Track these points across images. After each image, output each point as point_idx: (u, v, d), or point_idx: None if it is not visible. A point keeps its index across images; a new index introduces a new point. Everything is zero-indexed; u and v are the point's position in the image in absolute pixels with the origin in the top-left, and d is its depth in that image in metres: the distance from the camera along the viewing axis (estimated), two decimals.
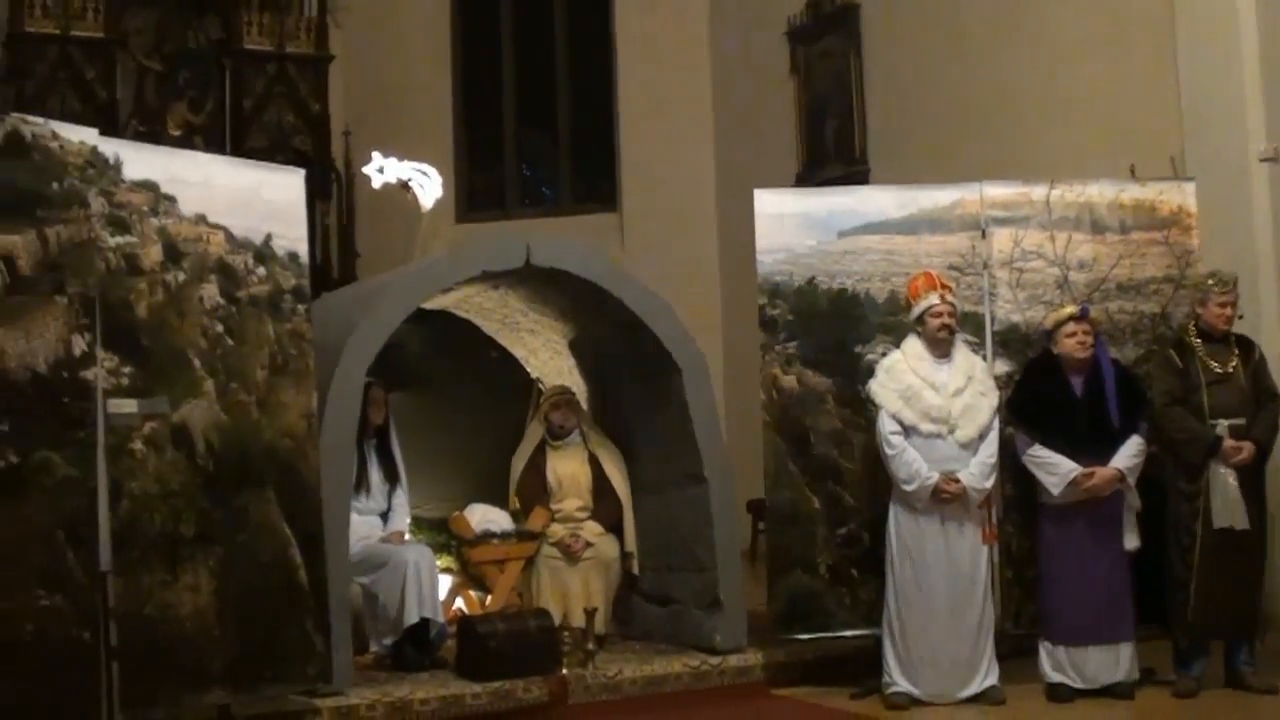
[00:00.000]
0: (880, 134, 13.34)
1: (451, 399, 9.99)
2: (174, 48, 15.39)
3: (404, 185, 9.87)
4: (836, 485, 8.33)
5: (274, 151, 14.46)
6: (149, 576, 6.62)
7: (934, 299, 7.84)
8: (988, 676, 7.78)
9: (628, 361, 9.01)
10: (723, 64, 15.61)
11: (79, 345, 6.43)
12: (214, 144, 14.67)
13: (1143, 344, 8.40)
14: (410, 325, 8.42)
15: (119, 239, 6.72)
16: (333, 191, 15.31)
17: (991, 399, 7.88)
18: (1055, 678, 7.82)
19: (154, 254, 6.85)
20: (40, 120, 6.64)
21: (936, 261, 8.32)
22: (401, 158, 10.14)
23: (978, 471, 7.72)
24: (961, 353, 7.96)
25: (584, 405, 9.58)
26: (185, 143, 14.14)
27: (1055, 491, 7.77)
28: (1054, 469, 7.75)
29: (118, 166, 6.78)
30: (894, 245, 8.51)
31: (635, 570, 9.17)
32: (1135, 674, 7.84)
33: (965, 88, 12.18)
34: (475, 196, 16.82)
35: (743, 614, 8.58)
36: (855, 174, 13.20)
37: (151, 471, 6.68)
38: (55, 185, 6.47)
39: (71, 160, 6.56)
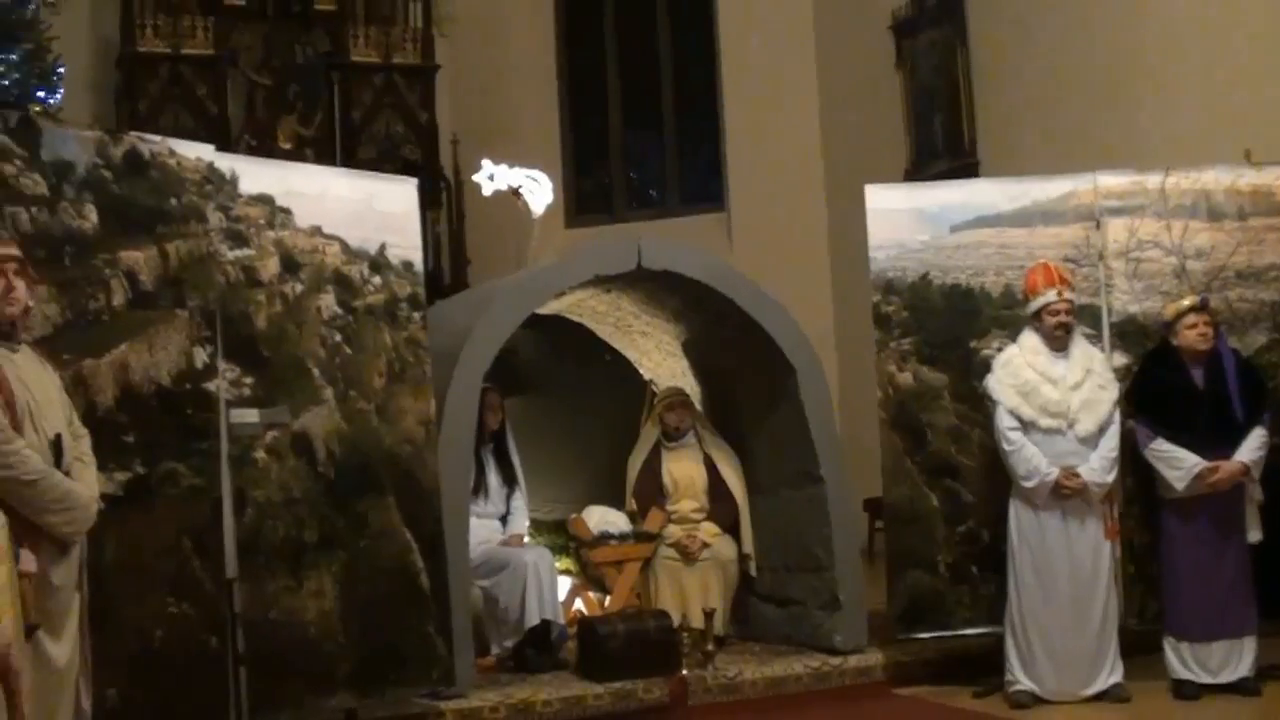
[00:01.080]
0: (989, 125, 13.23)
1: (566, 402, 10.04)
2: (282, 62, 15.53)
3: (514, 192, 9.91)
4: (954, 482, 8.26)
5: (383, 162, 14.56)
6: (274, 583, 6.73)
7: (1051, 295, 7.74)
8: (1112, 674, 7.67)
9: (741, 362, 9.00)
10: (828, 59, 15.55)
11: (201, 357, 6.55)
12: (324, 156, 14.81)
13: (1264, 332, 8.27)
14: (524, 330, 8.48)
15: (237, 252, 6.84)
16: (442, 199, 15.40)
17: (1111, 392, 7.76)
18: (1181, 674, 7.70)
19: (272, 266, 6.96)
20: (157, 138, 6.78)
21: (1051, 254, 8.19)
22: (510, 164, 10.19)
23: (1098, 466, 7.62)
24: (1080, 346, 7.85)
25: (698, 406, 9.57)
26: (296, 156, 14.28)
27: (1179, 486, 7.64)
28: (1177, 463, 7.63)
29: (234, 181, 6.89)
30: (1007, 238, 8.44)
31: (753, 571, 9.14)
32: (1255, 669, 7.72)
33: (1075, 75, 12.05)
34: (583, 201, 16.87)
35: (863, 613, 8.54)
36: (965, 167, 13.09)
37: (274, 479, 6.79)
38: (174, 201, 6.59)
39: (189, 176, 6.68)
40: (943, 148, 13.78)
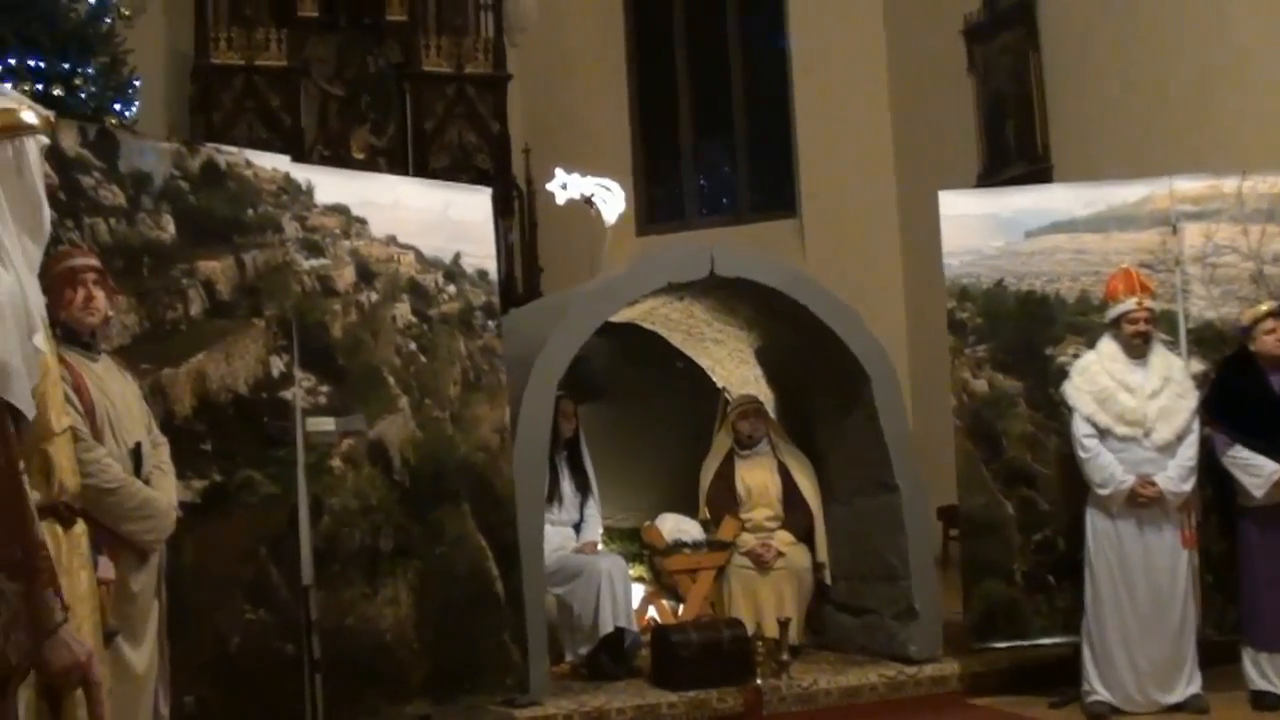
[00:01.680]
0: (1062, 130, 13.14)
1: (639, 410, 10.04)
2: (355, 73, 15.62)
3: (587, 200, 9.94)
4: (1030, 490, 8.19)
5: (456, 171, 14.63)
6: (349, 590, 6.77)
7: (1131, 304, 7.66)
8: (1190, 684, 7.59)
9: (814, 369, 8.98)
10: (899, 64, 15.50)
11: (277, 366, 6.59)
12: (397, 166, 14.86)
13: None
14: (597, 338, 8.48)
15: (313, 262, 6.89)
16: (514, 208, 15.43)
17: (1190, 401, 7.67)
18: (1260, 685, 7.60)
19: (347, 275, 7.01)
20: (234, 150, 6.84)
21: (1126, 259, 8.11)
22: (582, 173, 10.22)
23: (1176, 474, 7.54)
24: (1158, 353, 7.77)
25: (771, 414, 9.55)
26: (369, 166, 14.34)
27: (1258, 494, 7.55)
28: (1256, 470, 7.55)
29: (310, 192, 6.95)
30: (1082, 244, 8.38)
31: (827, 580, 9.10)
32: None
33: (1149, 79, 11.96)
34: (655, 208, 16.88)
35: (938, 623, 8.49)
36: (1038, 172, 13.00)
37: (350, 487, 6.83)
38: (250, 212, 6.65)
39: (265, 187, 6.73)
40: (1015, 153, 13.69)
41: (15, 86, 8.66)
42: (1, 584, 3.09)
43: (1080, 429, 7.68)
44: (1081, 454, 7.66)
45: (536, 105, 16.42)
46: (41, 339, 3.38)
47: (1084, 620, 7.71)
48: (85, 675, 3.28)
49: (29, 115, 3.46)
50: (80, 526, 3.56)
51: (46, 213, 3.50)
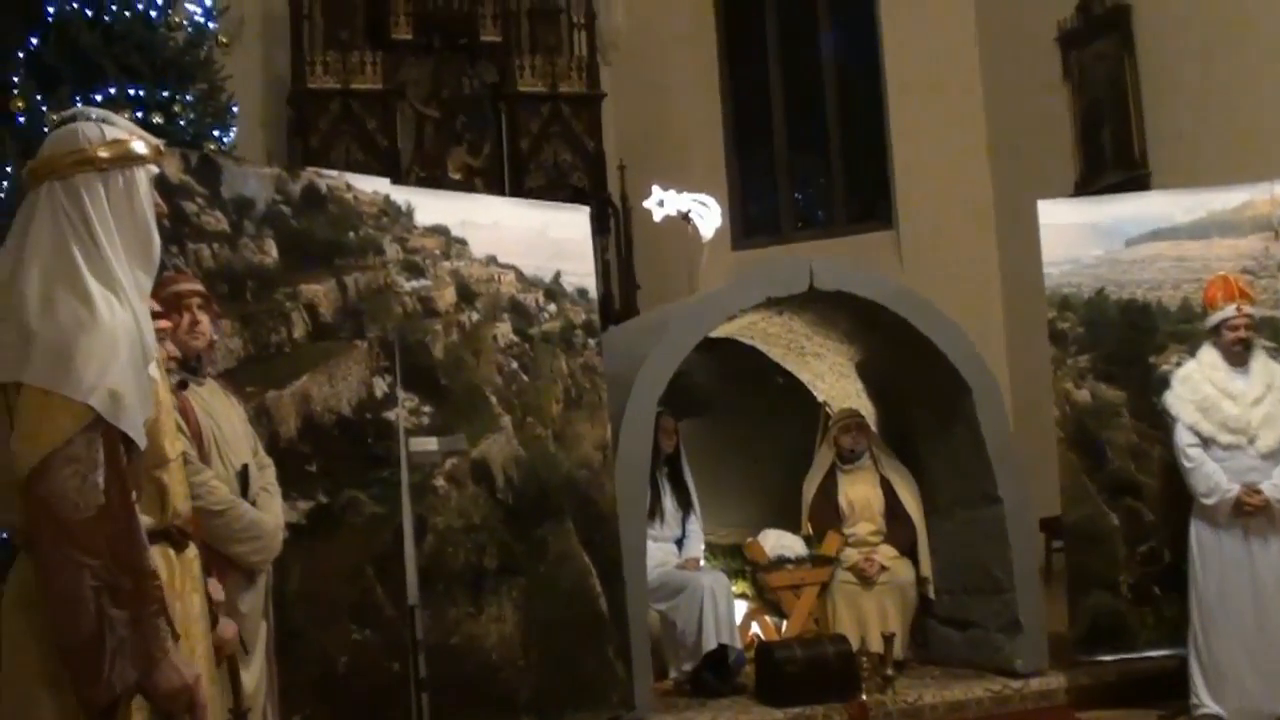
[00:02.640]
0: (1160, 136, 12.99)
1: (740, 425, 10.03)
2: (450, 94, 15.69)
3: (684, 217, 9.95)
4: (1135, 501, 8.13)
5: (552, 190, 14.66)
6: (455, 609, 6.82)
7: (1230, 310, 7.58)
8: None
9: (915, 382, 8.94)
10: (993, 73, 15.40)
11: (380, 387, 6.64)
12: (493, 186, 14.94)
13: None
14: (697, 353, 8.47)
15: (414, 283, 6.95)
16: (610, 226, 15.46)
17: None
18: None
19: (448, 296, 7.06)
20: (334, 173, 6.92)
21: (1228, 265, 8.06)
22: (678, 189, 10.23)
23: None
24: (1260, 360, 7.68)
25: (873, 427, 9.52)
26: (465, 186, 14.41)
27: None
28: None
29: (410, 213, 7.01)
30: (1184, 251, 8.31)
31: (931, 594, 9.05)
32: None
33: (1246, 82, 11.81)
34: (750, 223, 16.84)
35: (1043, 636, 8.41)
36: (1136, 179, 12.85)
37: (454, 506, 6.88)
38: (351, 234, 6.71)
39: (366, 210, 6.80)
40: (1112, 160, 13.55)
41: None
42: (110, 611, 3.13)
43: (1183, 438, 7.61)
44: (1185, 463, 7.58)
45: (630, 122, 16.44)
46: (155, 369, 3.42)
47: (1190, 631, 7.62)
48: (191, 699, 3.31)
49: (139, 145, 3.51)
50: (192, 550, 3.59)
51: (157, 243, 3.55)
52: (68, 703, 3.16)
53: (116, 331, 3.26)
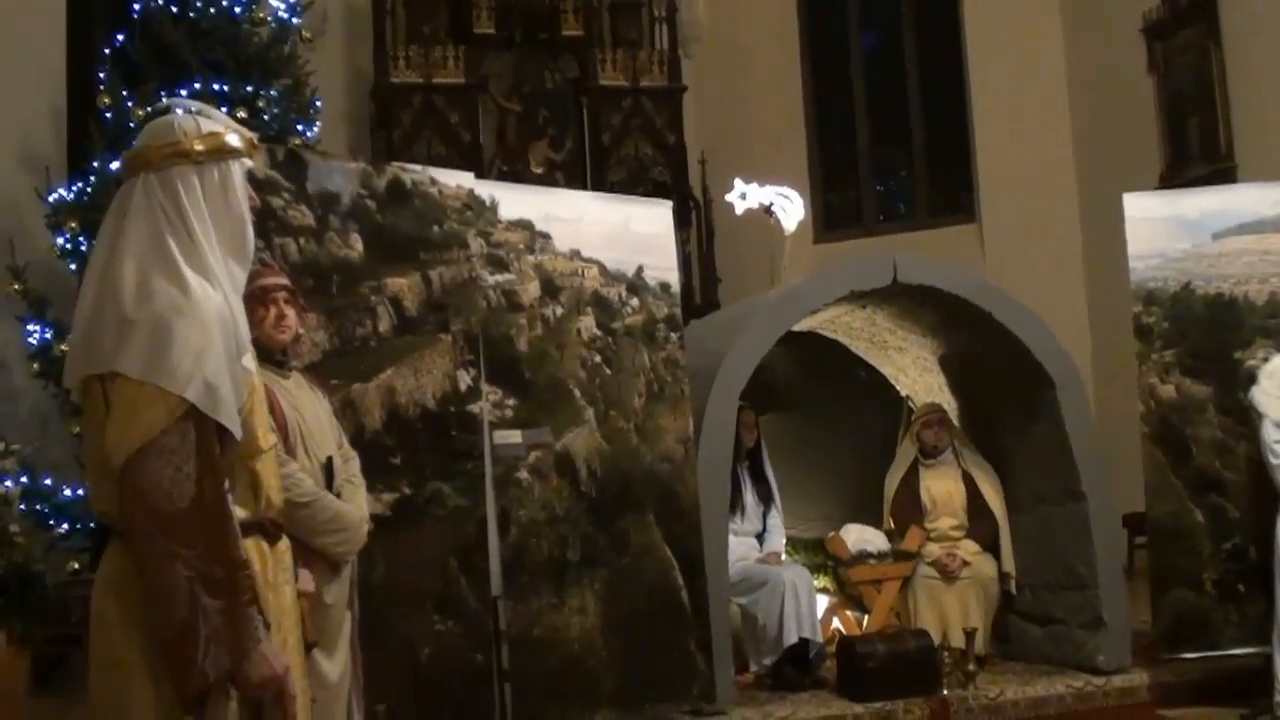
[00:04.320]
0: (1246, 128, 12.86)
1: (821, 419, 10.02)
2: (532, 89, 15.77)
3: (766, 210, 9.94)
4: (1220, 497, 8.05)
5: (633, 184, 14.70)
6: (537, 601, 6.85)
7: None
8: None
9: (999, 376, 8.89)
10: (1078, 64, 15.29)
11: (464, 380, 6.68)
12: (575, 179, 14.99)
13: None
14: (779, 347, 8.47)
15: (498, 277, 6.99)
16: (692, 219, 15.47)
17: None
18: None
19: (532, 290, 7.10)
20: (418, 168, 6.96)
21: None
22: (760, 182, 10.21)
23: None
24: None
25: (955, 422, 9.48)
26: (547, 180, 14.48)
27: None
28: None
29: (494, 208, 7.04)
30: (1270, 245, 8.23)
31: (1013, 589, 9.02)
32: None
33: None
34: (832, 215, 16.81)
35: (1126, 632, 8.37)
36: (1222, 172, 12.73)
37: (537, 499, 6.92)
38: (436, 229, 6.75)
39: (450, 204, 6.83)
40: (1198, 152, 13.44)
41: None
42: (203, 600, 3.17)
43: (1270, 434, 7.54)
44: (1272, 460, 7.51)
45: (711, 115, 16.45)
46: (250, 359, 3.46)
47: (1275, 629, 7.55)
48: (280, 688, 3.34)
49: (234, 139, 3.55)
50: (284, 542, 3.64)
51: (250, 235, 3.58)
52: (163, 689, 3.20)
53: (212, 318, 3.30)
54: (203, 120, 3.53)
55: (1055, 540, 8.64)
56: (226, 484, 3.28)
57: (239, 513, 3.35)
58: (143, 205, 3.41)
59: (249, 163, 3.60)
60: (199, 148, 3.47)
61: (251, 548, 3.36)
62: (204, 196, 3.45)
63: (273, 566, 3.54)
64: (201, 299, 3.30)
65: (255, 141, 3.66)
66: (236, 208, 3.51)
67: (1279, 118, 12.29)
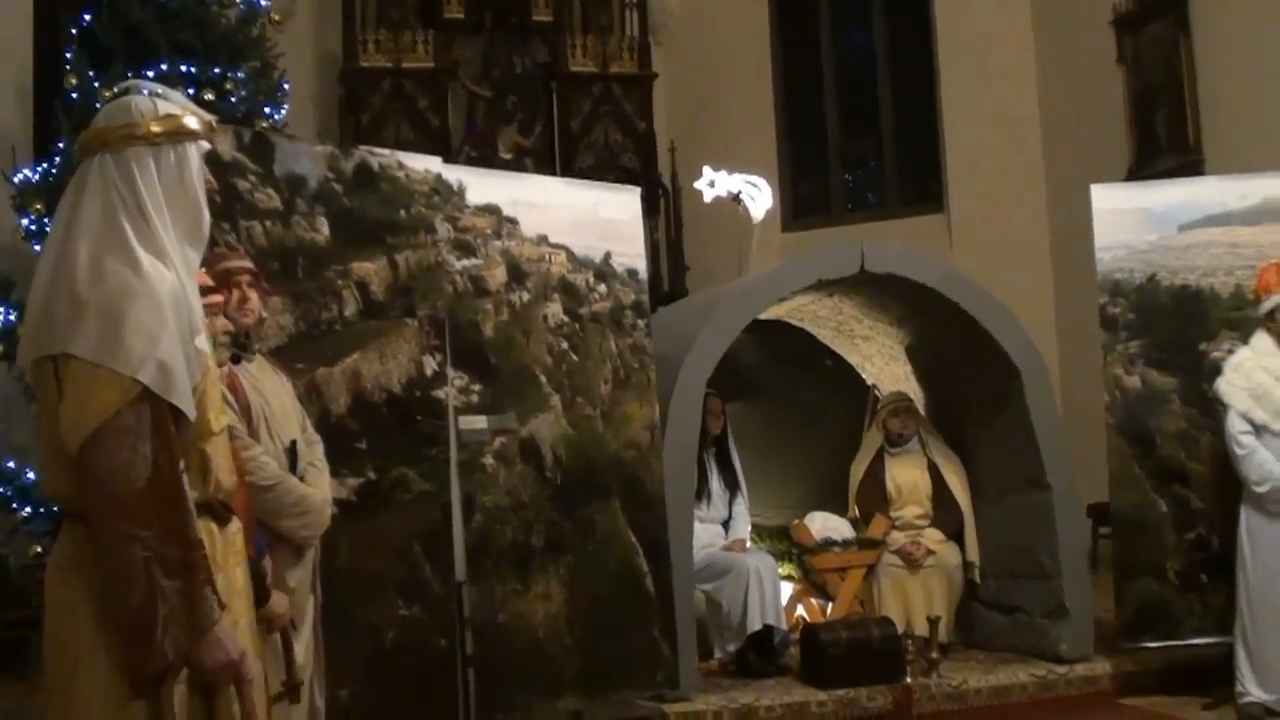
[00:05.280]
0: (1214, 121, 12.88)
1: (788, 408, 10.04)
2: (501, 74, 15.70)
3: (735, 198, 9.95)
4: (1184, 488, 8.09)
5: (602, 170, 14.67)
6: (502, 586, 6.84)
7: None
8: None
9: (965, 366, 8.92)
10: (1048, 56, 15.30)
11: (430, 365, 6.66)
12: (544, 165, 14.94)
13: None
14: (746, 335, 8.49)
15: (465, 262, 6.97)
16: (660, 206, 15.44)
17: None
18: None
19: (499, 275, 7.08)
20: (386, 152, 6.93)
21: None
22: (729, 170, 10.22)
23: None
24: None
25: (921, 411, 9.51)
26: (516, 166, 14.42)
27: None
28: None
29: (461, 192, 7.02)
30: (1237, 237, 8.26)
31: (977, 578, 9.06)
32: None
33: None
34: (800, 204, 16.78)
35: (1089, 622, 8.42)
36: (1189, 164, 12.75)
37: (502, 485, 6.91)
38: (403, 213, 6.72)
39: (417, 188, 6.81)
40: (1166, 145, 13.44)
41: None
42: (161, 581, 3.16)
43: (1236, 425, 7.56)
44: (1237, 451, 7.53)
45: (681, 103, 16.42)
46: (204, 340, 3.45)
47: (1238, 620, 7.59)
48: (237, 673, 3.33)
49: (192, 120, 3.53)
50: (235, 524, 3.62)
51: (206, 218, 3.57)
52: (115, 672, 3.19)
53: (165, 299, 3.28)
54: (160, 102, 3.51)
55: (1019, 530, 8.68)
56: (182, 464, 3.27)
57: (190, 494, 3.33)
58: (98, 186, 3.40)
59: (207, 145, 3.58)
60: (156, 129, 3.45)
61: (202, 529, 3.35)
62: (159, 178, 3.43)
63: (223, 548, 3.52)
64: (154, 280, 3.29)
65: (214, 124, 3.64)
66: (192, 190, 3.50)
67: (1247, 111, 12.31)
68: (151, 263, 3.32)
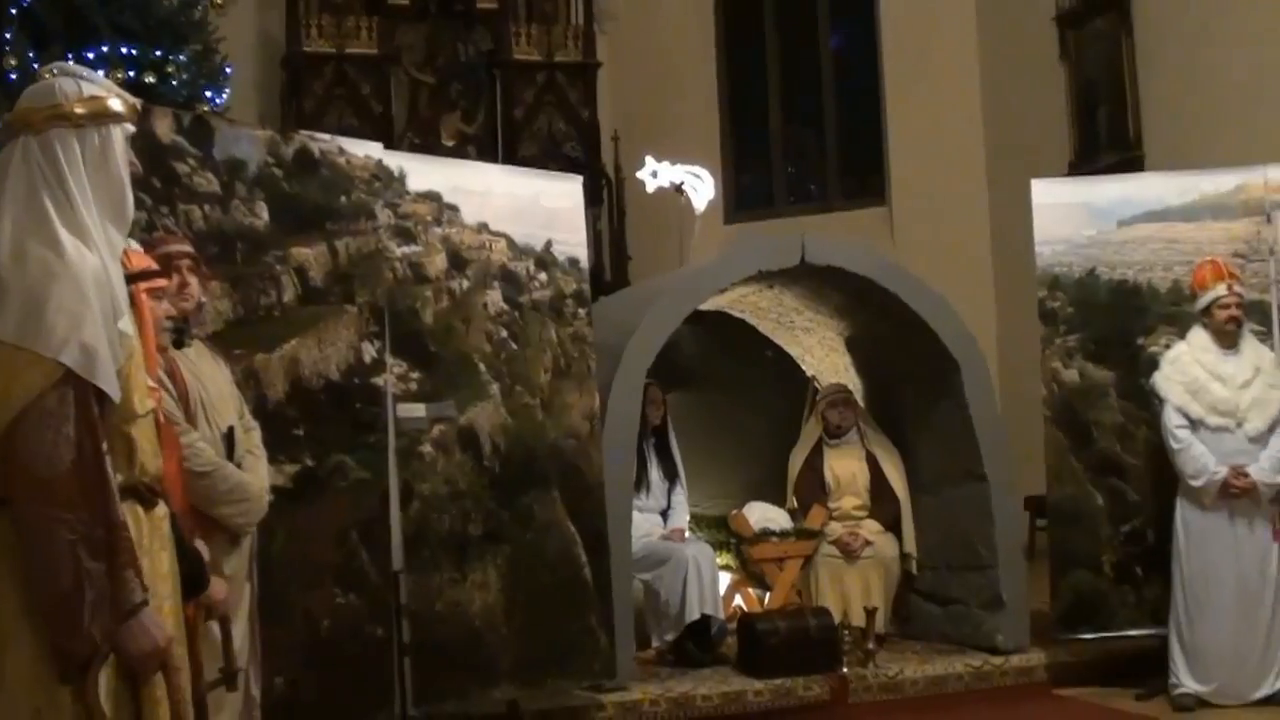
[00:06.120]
0: (1155, 118, 12.96)
1: (728, 398, 10.05)
2: (445, 61, 15.64)
3: (677, 188, 9.95)
4: (1120, 481, 8.15)
5: (545, 159, 14.60)
6: (439, 575, 6.82)
7: (1221, 289, 7.62)
8: (1279, 677, 7.54)
9: (904, 358, 8.95)
10: (991, 51, 15.36)
11: (369, 352, 6.64)
12: (486, 153, 14.90)
13: None
14: (686, 325, 8.49)
15: (405, 249, 6.94)
16: (603, 196, 15.43)
17: None
18: None
19: (439, 262, 7.05)
20: (327, 137, 6.91)
21: (1220, 249, 8.07)
22: (672, 161, 10.23)
23: (1269, 466, 7.47)
24: (1249, 344, 7.72)
25: (860, 403, 9.54)
26: (459, 153, 14.38)
27: None
28: None
29: (402, 179, 6.99)
30: (1176, 233, 8.31)
31: (914, 569, 9.09)
32: None
33: (1243, 66, 11.76)
34: (743, 196, 16.80)
35: (1025, 613, 8.46)
36: (1130, 160, 12.82)
37: (440, 473, 6.88)
38: (343, 199, 6.69)
39: (358, 174, 6.77)
40: (1107, 141, 13.52)
41: (107, 74, 8.78)
42: (87, 564, 3.14)
43: (1172, 420, 7.63)
44: (1174, 445, 7.60)
45: (626, 93, 16.41)
46: (127, 323, 3.42)
47: (1172, 612, 7.67)
48: (164, 659, 3.31)
49: (116, 103, 3.51)
50: (162, 509, 3.59)
51: (130, 201, 3.55)
52: (40, 658, 3.17)
53: (88, 280, 3.26)
54: (84, 84, 3.49)
55: (957, 521, 8.72)
56: (105, 447, 3.25)
57: (114, 478, 3.31)
58: (21, 167, 3.38)
59: (131, 128, 3.56)
60: (80, 111, 3.43)
61: (127, 513, 3.33)
62: (83, 159, 3.41)
63: (148, 533, 3.49)
64: (77, 261, 3.27)
65: (139, 106, 3.62)
66: (116, 172, 3.47)
67: (1188, 108, 12.39)
68: (74, 244, 3.30)
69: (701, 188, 9.95)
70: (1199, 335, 7.74)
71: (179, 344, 5.13)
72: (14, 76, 10.70)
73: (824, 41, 16.68)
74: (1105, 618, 8.11)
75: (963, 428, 8.53)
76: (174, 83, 10.86)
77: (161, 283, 4.85)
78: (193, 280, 5.32)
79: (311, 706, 6.18)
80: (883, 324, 8.90)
